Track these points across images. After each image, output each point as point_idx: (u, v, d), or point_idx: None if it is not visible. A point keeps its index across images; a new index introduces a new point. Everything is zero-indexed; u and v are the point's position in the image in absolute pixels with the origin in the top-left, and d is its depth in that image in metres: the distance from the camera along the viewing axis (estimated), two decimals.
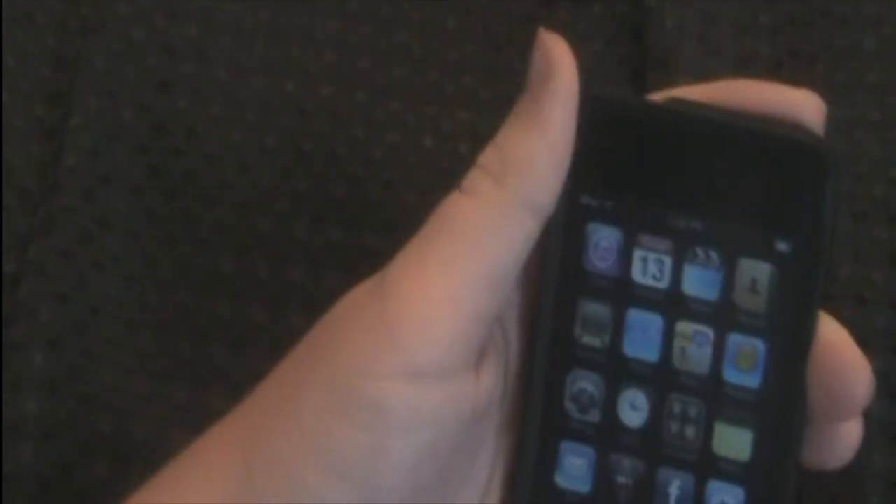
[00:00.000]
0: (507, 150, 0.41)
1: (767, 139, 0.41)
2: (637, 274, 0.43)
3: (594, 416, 0.43)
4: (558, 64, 0.41)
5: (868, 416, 0.56)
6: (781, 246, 0.41)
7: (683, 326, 0.42)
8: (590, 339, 0.43)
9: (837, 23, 0.66)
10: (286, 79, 0.62)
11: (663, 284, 0.42)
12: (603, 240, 0.43)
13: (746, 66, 0.64)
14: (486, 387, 0.42)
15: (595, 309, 0.43)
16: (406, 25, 0.65)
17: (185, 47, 0.62)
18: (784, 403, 0.42)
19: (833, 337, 0.42)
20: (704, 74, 0.62)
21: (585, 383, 0.43)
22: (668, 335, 0.42)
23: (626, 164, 0.43)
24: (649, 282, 0.42)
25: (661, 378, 0.43)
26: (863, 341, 0.58)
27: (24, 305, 0.56)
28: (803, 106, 0.42)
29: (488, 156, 0.42)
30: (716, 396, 0.42)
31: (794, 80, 0.63)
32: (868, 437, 0.55)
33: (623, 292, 0.43)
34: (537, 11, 0.66)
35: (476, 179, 0.41)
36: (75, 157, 0.59)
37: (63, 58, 0.62)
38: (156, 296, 0.57)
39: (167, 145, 0.60)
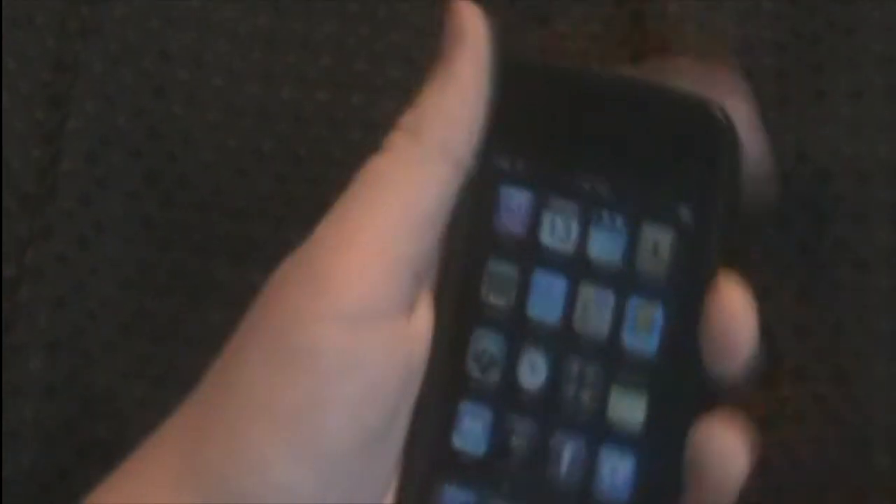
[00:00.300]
0: (423, 106, 0.43)
1: (670, 105, 0.43)
2: (545, 236, 0.43)
3: (494, 376, 0.43)
4: (468, 25, 0.44)
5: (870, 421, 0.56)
6: (683, 212, 0.42)
7: (586, 289, 0.43)
8: (495, 300, 0.43)
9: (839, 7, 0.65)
10: (283, 84, 0.62)
11: (569, 247, 0.43)
12: (513, 201, 0.43)
13: (749, 51, 0.64)
14: (421, 331, 0.43)
15: (502, 269, 0.43)
16: (403, 27, 0.65)
17: (181, 52, 0.62)
18: (678, 369, 0.42)
19: (726, 293, 0.42)
20: (704, 58, 0.62)
21: (488, 343, 0.43)
22: (571, 297, 0.43)
23: (538, 127, 0.43)
24: (556, 244, 0.43)
25: (562, 340, 0.43)
26: (866, 342, 0.57)
27: (23, 309, 0.57)
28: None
29: (406, 116, 0.43)
30: (613, 360, 0.42)
31: (797, 63, 0.63)
32: (870, 441, 0.55)
33: (530, 253, 0.43)
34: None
35: (394, 137, 0.43)
36: (73, 162, 0.59)
37: (63, 60, 0.62)
38: (151, 301, 0.58)
39: (162, 150, 0.60)
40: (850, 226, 0.60)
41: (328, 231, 0.42)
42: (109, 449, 0.54)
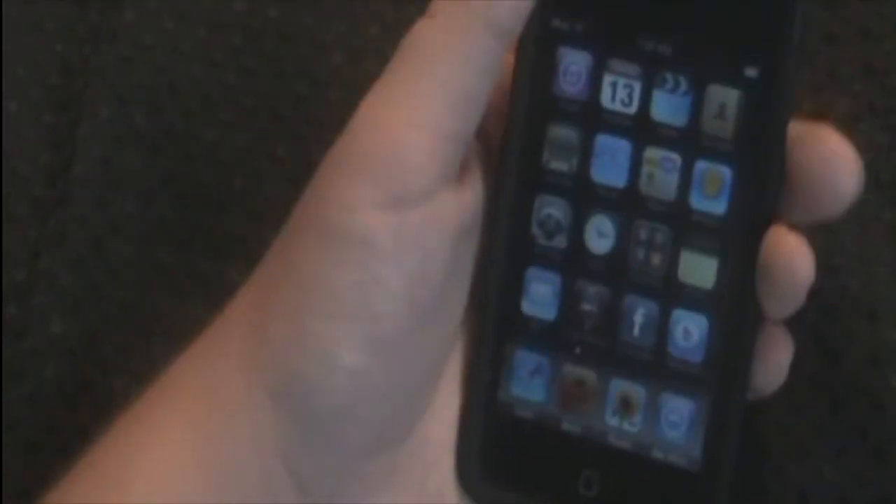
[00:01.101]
0: None
1: None
2: (606, 99, 0.43)
3: (560, 242, 0.43)
4: None
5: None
6: (750, 71, 0.41)
7: (651, 152, 0.42)
8: (557, 165, 0.43)
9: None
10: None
11: (632, 110, 0.42)
12: (573, 64, 0.43)
13: None
14: (471, 201, 0.43)
15: (563, 134, 0.43)
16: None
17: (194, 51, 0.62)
18: (750, 230, 0.42)
19: (812, 131, 0.41)
20: None
21: (552, 209, 0.43)
22: (636, 161, 0.42)
23: None
24: (618, 107, 0.43)
25: (628, 204, 0.43)
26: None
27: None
28: None
29: None
30: (682, 223, 0.42)
31: None
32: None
33: (592, 117, 0.43)
34: None
35: (440, 2, 0.42)
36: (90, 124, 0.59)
37: (72, 64, 0.62)
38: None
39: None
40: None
41: (371, 108, 0.42)
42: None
